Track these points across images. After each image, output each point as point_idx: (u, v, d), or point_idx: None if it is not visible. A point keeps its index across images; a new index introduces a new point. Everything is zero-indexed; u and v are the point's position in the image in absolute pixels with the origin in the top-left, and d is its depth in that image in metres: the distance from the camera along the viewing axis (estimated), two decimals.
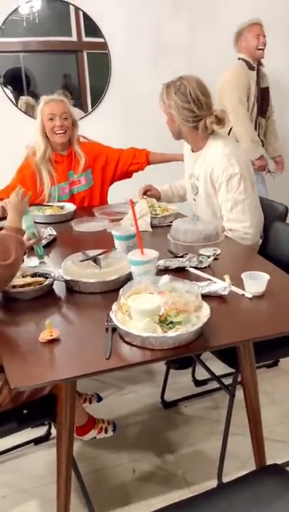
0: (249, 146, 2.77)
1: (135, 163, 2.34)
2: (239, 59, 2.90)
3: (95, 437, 1.65)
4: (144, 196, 2.16)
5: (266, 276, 1.31)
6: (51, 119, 2.15)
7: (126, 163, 2.33)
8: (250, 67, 2.85)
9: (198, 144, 1.90)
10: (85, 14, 3.10)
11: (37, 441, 1.81)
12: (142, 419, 1.95)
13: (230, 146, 1.82)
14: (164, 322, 1.11)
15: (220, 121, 1.81)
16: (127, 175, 2.39)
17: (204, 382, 2.12)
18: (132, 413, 1.98)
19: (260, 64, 2.93)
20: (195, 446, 1.80)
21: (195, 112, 1.78)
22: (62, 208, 2.16)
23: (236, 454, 1.68)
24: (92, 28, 3.15)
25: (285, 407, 1.98)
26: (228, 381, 1.71)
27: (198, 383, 2.13)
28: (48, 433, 1.81)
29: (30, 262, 1.53)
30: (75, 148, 2.25)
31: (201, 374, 2.08)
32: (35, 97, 3.19)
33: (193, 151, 1.96)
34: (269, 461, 1.58)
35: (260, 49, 2.82)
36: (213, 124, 1.81)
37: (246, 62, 2.85)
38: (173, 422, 1.93)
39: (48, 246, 1.77)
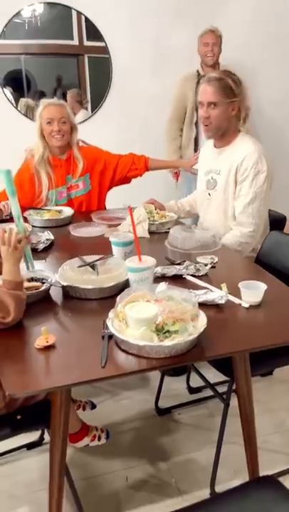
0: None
1: (134, 169, 2.34)
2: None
3: (88, 445, 1.64)
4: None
5: (263, 286, 1.31)
6: (49, 122, 2.16)
7: (124, 169, 2.33)
8: (198, 75, 3.02)
9: (229, 138, 1.94)
10: (86, 18, 3.11)
11: (30, 446, 1.79)
12: (136, 426, 1.94)
13: (260, 146, 1.90)
14: (161, 331, 1.11)
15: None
16: (126, 180, 2.39)
17: (199, 389, 2.11)
18: (126, 420, 1.97)
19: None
20: (188, 455, 1.79)
21: (246, 102, 1.89)
22: (60, 212, 2.16)
23: (229, 463, 1.67)
24: (93, 31, 3.16)
25: (280, 417, 1.98)
26: (222, 388, 1.71)
27: (192, 390, 2.12)
28: (41, 438, 1.80)
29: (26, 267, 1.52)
30: (74, 153, 2.25)
31: (196, 381, 2.07)
32: (36, 98, 3.21)
33: (216, 147, 1.99)
34: (262, 471, 1.58)
35: (208, 56, 2.99)
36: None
37: (198, 70, 3.05)
38: (167, 430, 1.92)
39: (45, 250, 1.77)
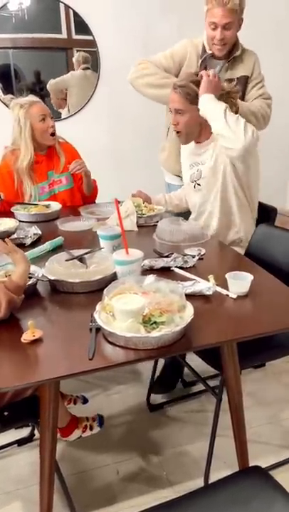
0: None
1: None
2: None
3: (81, 436, 1.62)
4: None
5: (250, 277, 1.31)
6: (43, 119, 2.12)
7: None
8: (202, 54, 2.18)
9: (206, 135, 1.91)
10: (74, 11, 3.08)
11: (20, 442, 1.79)
12: (127, 420, 1.94)
13: None
14: (148, 322, 1.11)
15: None
16: None
17: (193, 383, 2.11)
18: (117, 414, 1.97)
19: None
20: (179, 448, 1.79)
21: None
22: (47, 206, 2.14)
23: (221, 456, 1.67)
24: (81, 25, 3.13)
25: (272, 409, 1.99)
26: (215, 382, 1.70)
27: (186, 384, 2.12)
28: (32, 434, 1.79)
29: None
30: (56, 148, 2.23)
31: (190, 375, 2.07)
32: (24, 94, 3.17)
33: (196, 142, 1.96)
34: (255, 463, 1.57)
35: (216, 44, 2.06)
36: None
37: (203, 44, 2.17)
38: (158, 423, 1.92)
39: (33, 245, 1.75)
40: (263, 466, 1.60)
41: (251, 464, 1.54)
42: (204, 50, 2.16)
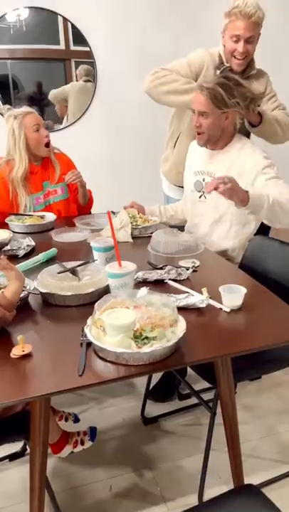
0: None
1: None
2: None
3: (72, 452, 1.59)
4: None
5: (243, 290, 1.30)
6: (37, 130, 2.12)
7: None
8: (219, 65, 2.13)
9: (223, 143, 1.90)
10: (72, 24, 3.10)
11: (12, 457, 1.76)
12: (121, 434, 1.91)
13: (258, 147, 1.90)
14: (139, 337, 1.09)
15: None
16: None
17: (188, 395, 2.08)
18: (111, 428, 1.94)
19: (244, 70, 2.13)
20: (174, 462, 1.76)
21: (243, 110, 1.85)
22: (42, 217, 2.13)
23: (216, 471, 1.65)
24: (79, 36, 3.15)
25: (267, 422, 1.96)
26: (210, 395, 1.68)
27: (182, 397, 2.09)
28: (24, 449, 1.76)
29: None
30: (51, 158, 2.23)
31: (185, 387, 2.05)
32: (22, 104, 3.18)
33: (207, 147, 1.93)
34: (251, 478, 1.55)
35: (236, 58, 2.03)
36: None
37: (220, 57, 2.13)
38: (152, 437, 1.89)
39: (26, 257, 1.73)
40: (258, 481, 1.61)
41: (246, 479, 1.52)
42: (221, 62, 2.12)
